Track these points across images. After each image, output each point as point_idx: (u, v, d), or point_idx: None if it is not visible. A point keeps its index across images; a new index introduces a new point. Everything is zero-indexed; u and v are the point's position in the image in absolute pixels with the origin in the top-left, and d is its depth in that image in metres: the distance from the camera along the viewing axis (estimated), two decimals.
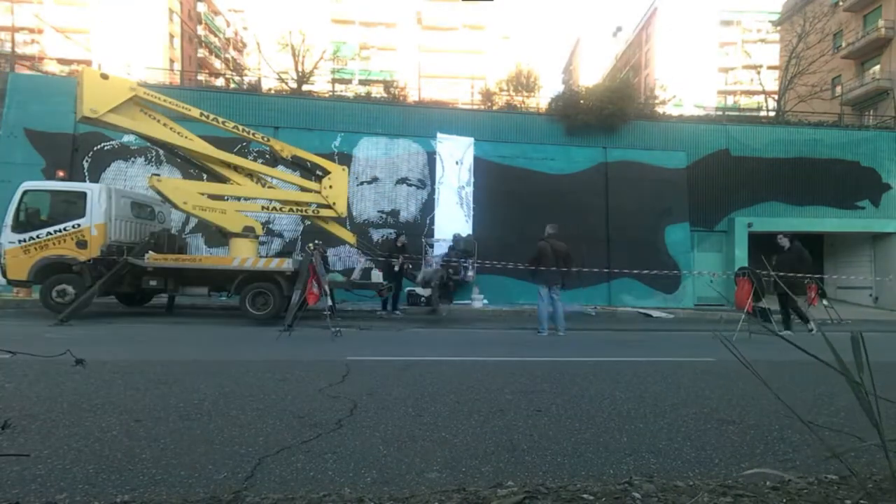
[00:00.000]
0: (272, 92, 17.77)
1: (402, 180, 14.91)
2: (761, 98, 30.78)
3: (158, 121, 9.28)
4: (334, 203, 10.50)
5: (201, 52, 47.68)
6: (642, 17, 53.25)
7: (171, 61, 40.93)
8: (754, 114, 28.05)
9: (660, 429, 3.35)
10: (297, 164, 10.87)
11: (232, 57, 50.52)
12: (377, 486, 2.36)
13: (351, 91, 21.42)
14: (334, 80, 22.87)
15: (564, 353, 6.83)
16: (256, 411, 3.52)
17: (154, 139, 9.52)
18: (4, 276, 9.24)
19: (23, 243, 9.02)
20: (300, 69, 20.90)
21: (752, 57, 35.02)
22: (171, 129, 9.35)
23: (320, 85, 21.66)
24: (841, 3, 26.86)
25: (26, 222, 9.12)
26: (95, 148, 13.69)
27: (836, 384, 4.44)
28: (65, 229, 9.12)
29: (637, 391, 4.40)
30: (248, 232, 9.75)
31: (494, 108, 17.61)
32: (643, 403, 4.00)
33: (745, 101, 42.83)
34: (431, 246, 14.27)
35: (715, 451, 2.94)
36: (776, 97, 23.93)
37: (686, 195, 15.85)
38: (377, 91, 20.66)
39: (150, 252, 9.33)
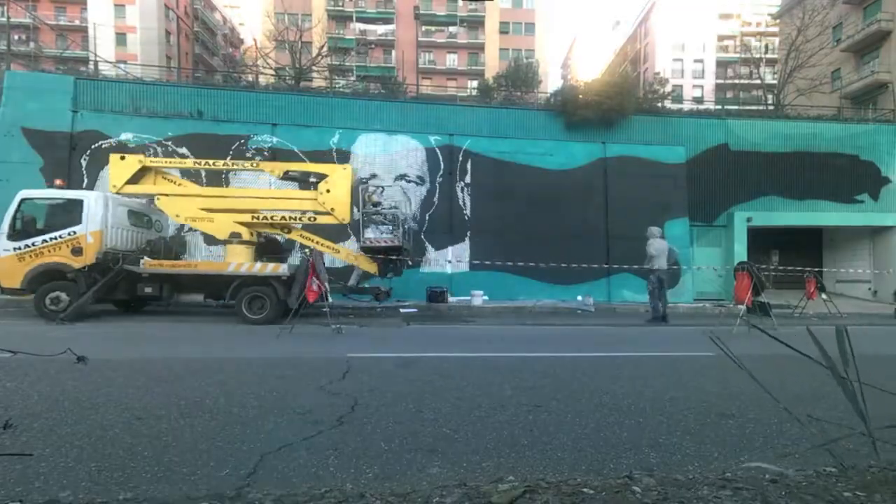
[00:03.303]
0: (270, 88, 17.71)
1: (401, 177, 14.88)
2: (760, 92, 30.70)
3: (171, 180, 10.25)
4: (333, 209, 9.73)
5: (198, 49, 47.42)
6: (641, 11, 53.03)
7: (168, 58, 40.73)
8: (753, 108, 27.98)
9: (659, 423, 3.36)
10: (292, 179, 10.45)
11: (229, 53, 50.28)
12: (378, 482, 2.37)
13: (349, 87, 21.35)
14: (331, 68, 22.70)
15: (565, 348, 6.85)
16: (258, 409, 3.53)
17: (168, 195, 10.11)
18: None
19: (18, 251, 9.02)
20: (297, 65, 20.83)
21: (752, 50, 34.90)
22: (179, 185, 10.40)
23: (318, 82, 21.59)
24: None
25: (22, 230, 9.16)
26: (93, 146, 13.64)
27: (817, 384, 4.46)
28: (60, 237, 9.14)
29: (637, 386, 4.42)
30: (233, 237, 9.70)
31: (493, 103, 17.56)
32: (643, 398, 4.01)
33: (744, 95, 42.71)
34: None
35: (714, 446, 2.96)
36: (775, 91, 23.88)
37: (685, 190, 15.84)
38: (375, 87, 20.60)
39: (145, 258, 9.41)
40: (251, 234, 9.99)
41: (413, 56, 44.24)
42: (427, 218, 14.67)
